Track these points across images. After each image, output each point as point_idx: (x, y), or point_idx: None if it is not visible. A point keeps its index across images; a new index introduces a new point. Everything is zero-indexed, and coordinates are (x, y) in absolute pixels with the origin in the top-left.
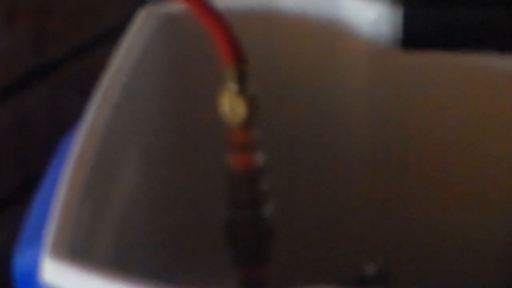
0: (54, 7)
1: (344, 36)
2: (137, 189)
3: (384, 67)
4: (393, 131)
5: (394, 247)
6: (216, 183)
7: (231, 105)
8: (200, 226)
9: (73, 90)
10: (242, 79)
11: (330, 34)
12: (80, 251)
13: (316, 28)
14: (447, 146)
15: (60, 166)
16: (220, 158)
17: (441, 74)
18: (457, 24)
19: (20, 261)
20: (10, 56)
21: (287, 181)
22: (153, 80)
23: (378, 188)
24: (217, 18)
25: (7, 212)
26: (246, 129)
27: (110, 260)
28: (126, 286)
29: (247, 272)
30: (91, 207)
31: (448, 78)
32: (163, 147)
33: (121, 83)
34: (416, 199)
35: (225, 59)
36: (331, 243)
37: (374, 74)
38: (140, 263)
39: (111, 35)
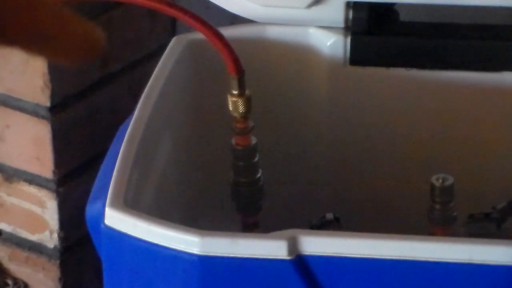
0: (112, 38)
1: (311, 55)
2: (169, 160)
3: (339, 78)
4: (344, 122)
5: (347, 202)
6: (224, 156)
7: (234, 103)
8: (214, 185)
9: (126, 94)
10: (241, 86)
11: (302, 54)
12: (130, 204)
13: (292, 51)
14: (385, 141)
15: (118, 146)
16: (227, 139)
17: (381, 84)
18: (390, 47)
19: (90, 210)
20: (83, 70)
21: (272, 155)
22: (180, 87)
23: (336, 163)
24: (225, 43)
25: (82, 176)
26: (244, 119)
27: (152, 210)
28: (162, 228)
29: (246, 217)
30: (138, 173)
31: (385, 87)
32: (188, 132)
33: (158, 90)
34: (363, 175)
35: (230, 72)
36: (303, 200)
37: (332, 83)
38: (172, 211)
39: (153, 56)
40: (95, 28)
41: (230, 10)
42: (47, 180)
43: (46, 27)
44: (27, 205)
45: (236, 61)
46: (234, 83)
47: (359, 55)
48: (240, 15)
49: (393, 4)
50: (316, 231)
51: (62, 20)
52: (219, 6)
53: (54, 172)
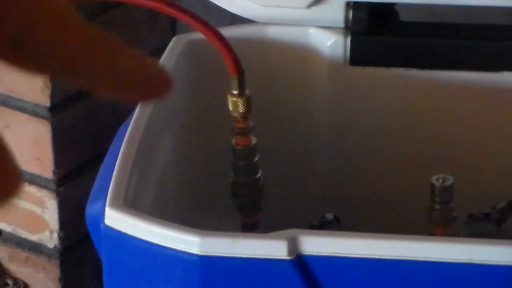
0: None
1: (311, 55)
2: (170, 160)
3: (339, 78)
4: (344, 122)
5: (347, 202)
6: (225, 155)
7: (234, 103)
8: (214, 185)
9: None
10: (241, 86)
11: (302, 54)
12: (130, 204)
13: (292, 51)
14: (385, 141)
15: (118, 146)
16: (227, 139)
17: (380, 84)
18: (390, 47)
19: (90, 210)
20: None
21: (272, 156)
22: (180, 87)
23: (336, 163)
24: (225, 43)
25: (82, 176)
26: (244, 119)
27: (151, 210)
28: (162, 228)
29: (246, 217)
30: (138, 173)
31: (385, 87)
32: (188, 131)
33: None
34: (363, 175)
35: (230, 72)
36: (303, 200)
37: (332, 83)
38: (172, 211)
39: (153, 56)
40: (151, 61)
41: (230, 10)
42: (47, 180)
43: (76, 51)
44: (27, 205)
45: (236, 61)
46: (234, 83)
47: (359, 55)
48: (240, 15)
49: (393, 4)
50: (316, 231)
51: (99, 46)
52: (219, 6)
53: (54, 172)
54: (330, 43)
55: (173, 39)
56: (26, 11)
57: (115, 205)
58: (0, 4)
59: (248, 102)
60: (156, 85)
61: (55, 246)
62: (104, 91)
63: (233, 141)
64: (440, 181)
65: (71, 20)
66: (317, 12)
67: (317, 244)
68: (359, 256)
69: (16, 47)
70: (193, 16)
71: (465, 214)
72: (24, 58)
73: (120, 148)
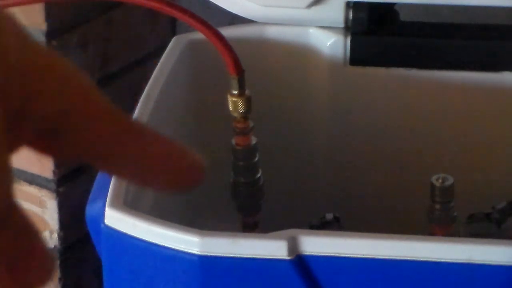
0: (112, 38)
1: (311, 56)
2: None
3: (339, 78)
4: (344, 122)
5: (347, 202)
6: (224, 156)
7: (234, 103)
8: (214, 185)
9: (126, 94)
10: (241, 86)
11: (302, 55)
12: (130, 203)
13: (292, 51)
14: (385, 141)
15: None
16: (227, 138)
17: (381, 84)
18: (390, 47)
19: (90, 210)
20: (83, 70)
21: (272, 155)
22: (180, 87)
23: (336, 163)
24: (225, 43)
25: (82, 176)
26: (244, 119)
27: (152, 210)
28: (162, 228)
29: (246, 217)
30: None
31: (385, 87)
32: (188, 132)
33: (158, 90)
34: (363, 175)
35: (230, 72)
36: (303, 200)
37: (332, 83)
38: (172, 211)
39: (153, 56)
40: (182, 149)
41: (230, 10)
42: (47, 180)
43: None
44: (27, 205)
45: (236, 61)
46: (234, 83)
47: (359, 55)
48: (240, 15)
49: (393, 4)
50: (316, 231)
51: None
52: (219, 6)
53: (54, 172)
54: (330, 43)
55: (173, 39)
56: (63, 96)
57: (115, 205)
58: (35, 88)
59: (248, 102)
60: (188, 173)
61: (55, 246)
62: (132, 178)
63: (233, 141)
64: (440, 181)
65: (103, 107)
66: (317, 12)
67: (317, 244)
68: (359, 256)
69: (47, 134)
70: (193, 16)
71: (465, 214)
72: (51, 145)
73: None
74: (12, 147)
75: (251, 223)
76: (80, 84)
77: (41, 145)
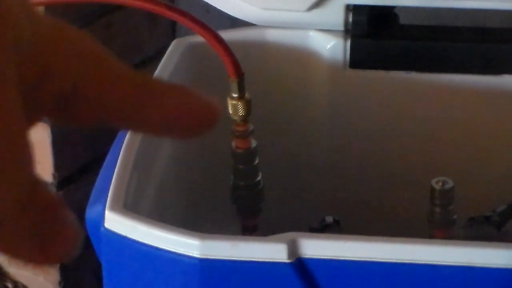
0: (112, 41)
1: (311, 59)
2: (169, 163)
3: (339, 81)
4: (344, 125)
5: (347, 205)
6: (225, 159)
7: (234, 107)
8: (214, 188)
9: None
10: (241, 89)
11: (302, 58)
12: (130, 207)
13: (292, 54)
14: (385, 144)
15: (118, 149)
16: (227, 141)
17: (380, 87)
18: (390, 50)
19: (89, 213)
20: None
21: (272, 158)
22: None
23: (336, 166)
24: (224, 46)
25: (82, 179)
26: (244, 123)
27: (151, 213)
28: (162, 231)
29: (246, 220)
30: (138, 176)
31: (385, 90)
32: None
33: None
34: (363, 178)
35: (230, 75)
36: (303, 202)
37: (332, 86)
38: (172, 214)
39: (153, 59)
40: (194, 93)
41: (230, 13)
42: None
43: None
44: None
45: (235, 64)
46: (234, 86)
47: (359, 58)
48: (240, 18)
49: (393, 7)
50: (316, 234)
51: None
52: (219, 9)
53: (53, 175)
54: (330, 46)
55: (173, 42)
56: (79, 62)
57: (115, 208)
58: (52, 57)
59: (248, 105)
60: (204, 117)
61: None
62: (154, 131)
63: (233, 144)
64: (440, 184)
65: (119, 68)
66: (317, 15)
67: (317, 247)
68: (359, 259)
69: (66, 103)
70: (193, 19)
71: (465, 217)
72: (71, 112)
73: (120, 151)
74: (31, 120)
75: (251, 226)
76: (94, 49)
77: (60, 114)
